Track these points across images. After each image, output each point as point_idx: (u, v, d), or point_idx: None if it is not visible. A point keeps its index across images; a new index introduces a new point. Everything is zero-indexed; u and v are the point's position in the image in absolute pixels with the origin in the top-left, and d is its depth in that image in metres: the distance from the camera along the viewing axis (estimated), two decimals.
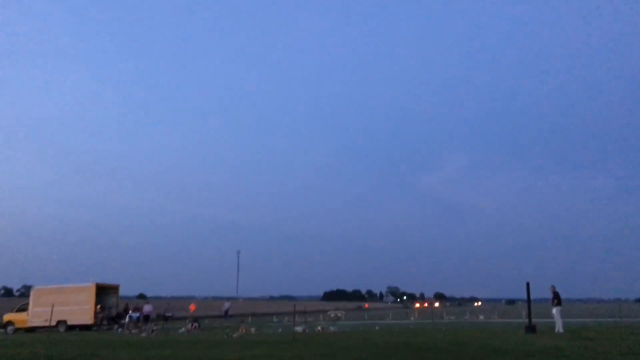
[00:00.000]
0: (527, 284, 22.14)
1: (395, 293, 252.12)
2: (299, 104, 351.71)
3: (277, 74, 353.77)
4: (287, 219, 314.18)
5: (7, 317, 36.24)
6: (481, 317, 57.31)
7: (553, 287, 21.86)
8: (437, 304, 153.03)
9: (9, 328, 35.12)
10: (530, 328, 20.38)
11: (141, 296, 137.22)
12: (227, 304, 43.09)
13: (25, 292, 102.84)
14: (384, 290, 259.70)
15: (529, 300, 22.76)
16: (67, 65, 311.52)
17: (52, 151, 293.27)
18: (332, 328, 29.33)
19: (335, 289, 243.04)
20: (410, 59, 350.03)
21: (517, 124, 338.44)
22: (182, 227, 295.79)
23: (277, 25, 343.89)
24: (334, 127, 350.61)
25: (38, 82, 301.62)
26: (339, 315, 66.68)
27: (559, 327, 20.73)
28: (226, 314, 42.29)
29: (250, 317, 60.25)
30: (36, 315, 33.92)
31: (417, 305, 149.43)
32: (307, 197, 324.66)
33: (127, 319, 31.65)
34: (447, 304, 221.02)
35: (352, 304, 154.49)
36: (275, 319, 55.88)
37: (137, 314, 33.41)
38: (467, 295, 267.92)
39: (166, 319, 41.50)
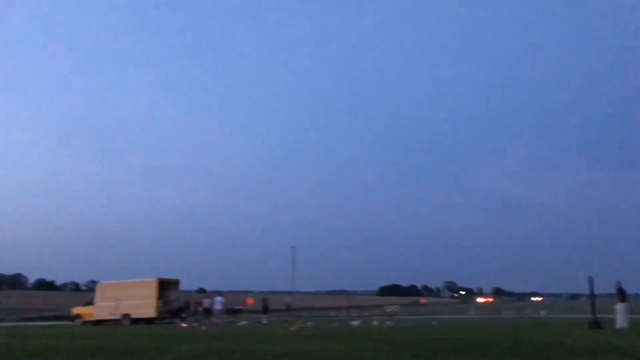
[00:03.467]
0: (590, 279, 21.47)
1: (452, 288, 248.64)
2: (350, 99, 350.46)
3: (336, 69, 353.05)
4: (343, 214, 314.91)
5: (75, 310, 37.94)
6: (542, 312, 55.79)
7: (618, 282, 21.17)
8: (479, 299, 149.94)
9: (77, 321, 36.76)
10: (595, 324, 19.76)
11: (201, 290, 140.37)
12: (285, 299, 44.01)
13: (92, 287, 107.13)
14: (440, 285, 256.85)
15: (592, 295, 22.05)
16: (131, 68, 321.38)
17: (115, 151, 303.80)
18: (388, 323, 29.24)
19: (391, 283, 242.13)
20: (472, 45, 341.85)
21: (581, 115, 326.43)
22: (239, 223, 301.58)
23: (328, 20, 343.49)
24: (388, 121, 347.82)
25: (103, 85, 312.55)
26: (395, 310, 66.33)
27: (621, 323, 20.06)
28: (289, 309, 43.23)
29: (307, 312, 60.79)
30: (102, 309, 35.32)
31: (480, 300, 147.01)
32: (362, 192, 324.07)
33: (215, 311, 34.09)
34: (506, 299, 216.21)
35: (408, 299, 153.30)
36: (331, 314, 56.18)
37: (220, 307, 34.86)
38: (527, 290, 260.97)
39: (235, 312, 42.50)
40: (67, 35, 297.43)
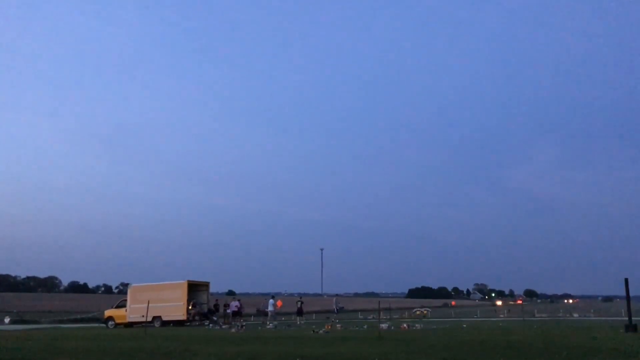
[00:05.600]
0: (626, 280, 20.94)
1: (482, 290, 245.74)
2: (382, 99, 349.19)
3: (363, 72, 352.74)
4: (372, 216, 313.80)
5: (108, 312, 38.51)
6: (575, 314, 54.81)
7: None
8: (499, 302, 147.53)
9: (110, 323, 37.29)
10: (631, 327, 19.26)
11: (230, 293, 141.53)
12: (336, 300, 45.12)
13: (123, 289, 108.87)
14: (470, 288, 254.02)
15: (628, 297, 21.49)
16: (156, 73, 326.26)
17: (147, 155, 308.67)
18: (417, 325, 29.01)
19: (420, 286, 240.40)
20: (498, 49, 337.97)
21: (611, 113, 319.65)
22: (268, 225, 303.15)
23: (367, 23, 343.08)
24: (418, 123, 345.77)
25: (129, 89, 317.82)
26: (425, 312, 65.84)
27: None
28: (339, 310, 44.34)
29: (334, 314, 60.67)
30: (134, 311, 35.75)
31: (499, 303, 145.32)
32: (392, 194, 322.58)
33: (268, 312, 38.07)
34: (539, 300, 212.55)
35: (438, 301, 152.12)
36: (360, 316, 55.97)
37: (272, 309, 37.67)
38: (559, 292, 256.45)
39: (266, 314, 42.84)
40: (105, 46, 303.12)
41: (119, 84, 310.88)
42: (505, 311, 70.48)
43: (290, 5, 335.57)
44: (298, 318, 37.23)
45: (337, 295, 57.55)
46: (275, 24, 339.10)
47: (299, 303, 37.73)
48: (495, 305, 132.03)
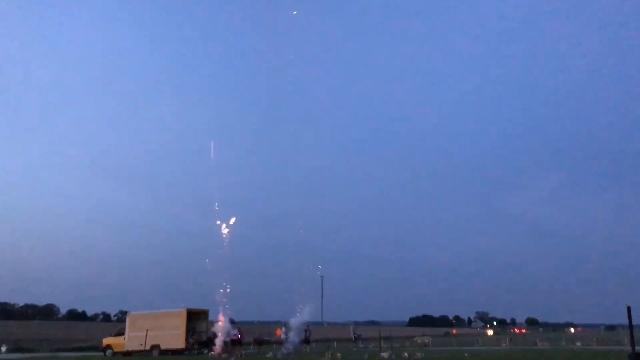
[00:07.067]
0: (629, 308, 20.76)
1: (484, 318, 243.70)
2: (378, 123, 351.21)
3: (362, 81, 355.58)
4: (372, 243, 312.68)
5: (106, 341, 38.18)
6: (578, 343, 54.28)
7: None
8: (490, 332, 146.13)
9: (108, 352, 36.94)
10: (635, 356, 19.10)
11: (230, 321, 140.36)
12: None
13: (122, 317, 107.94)
14: (472, 316, 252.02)
15: (630, 325, 21.28)
16: (158, 99, 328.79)
17: (142, 181, 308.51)
18: (419, 354, 28.73)
19: (421, 314, 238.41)
20: (494, 71, 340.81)
21: (613, 140, 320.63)
22: (267, 252, 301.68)
23: (367, 32, 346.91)
24: (415, 147, 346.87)
25: (130, 119, 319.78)
26: (426, 341, 65.24)
27: None
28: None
29: (335, 342, 60.10)
30: (132, 339, 35.44)
31: (490, 332, 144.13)
32: (392, 221, 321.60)
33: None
34: (540, 329, 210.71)
35: (440, 330, 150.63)
36: (360, 345, 55.44)
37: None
38: (562, 320, 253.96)
39: (261, 343, 42.34)
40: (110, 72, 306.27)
41: (120, 115, 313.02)
42: (508, 340, 69.77)
43: (287, 5, 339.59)
44: (305, 345, 37.54)
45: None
46: (276, 24, 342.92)
47: (307, 332, 37.82)
48: (494, 334, 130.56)
